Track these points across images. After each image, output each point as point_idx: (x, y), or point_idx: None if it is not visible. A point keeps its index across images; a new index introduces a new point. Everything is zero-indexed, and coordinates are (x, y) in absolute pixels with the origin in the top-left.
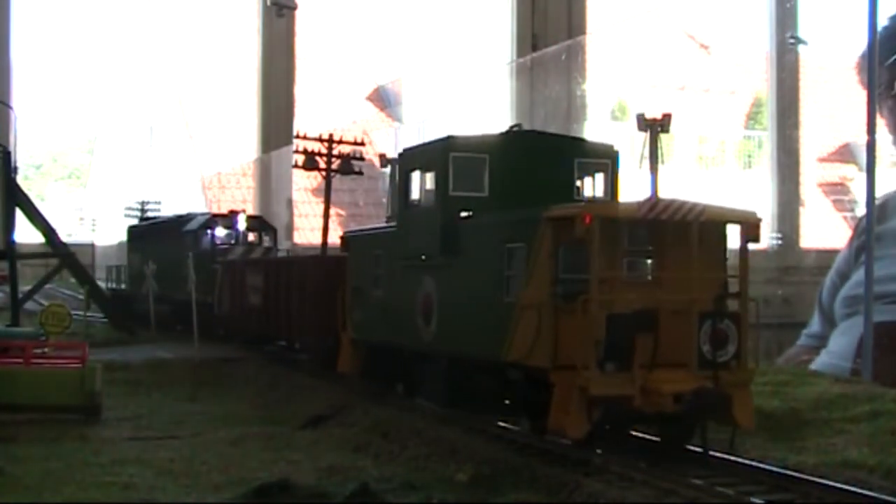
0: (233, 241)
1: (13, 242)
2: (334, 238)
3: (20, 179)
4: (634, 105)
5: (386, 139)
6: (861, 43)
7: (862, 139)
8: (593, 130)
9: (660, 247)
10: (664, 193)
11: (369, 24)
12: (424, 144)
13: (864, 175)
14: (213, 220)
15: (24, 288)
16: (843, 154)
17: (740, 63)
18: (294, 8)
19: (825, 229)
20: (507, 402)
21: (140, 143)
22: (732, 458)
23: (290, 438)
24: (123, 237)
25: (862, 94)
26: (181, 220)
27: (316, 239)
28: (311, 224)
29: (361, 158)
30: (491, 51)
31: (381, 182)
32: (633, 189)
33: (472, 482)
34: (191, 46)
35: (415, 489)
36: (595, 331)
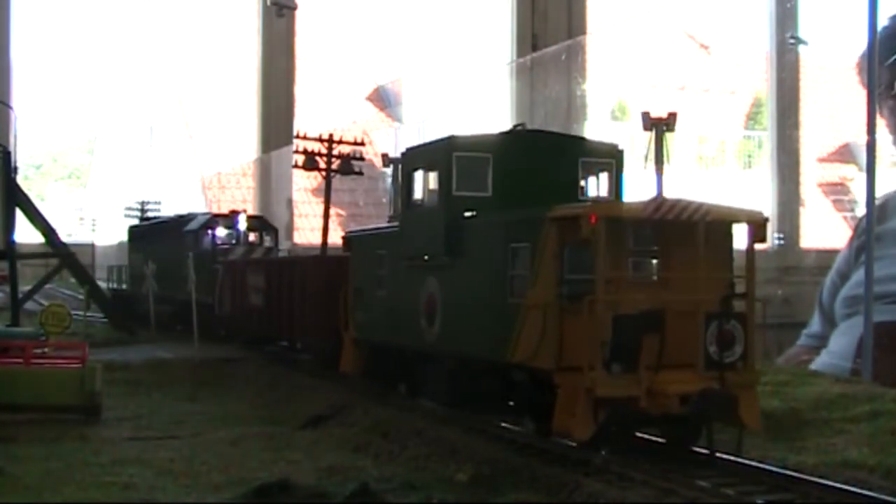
0: (234, 242)
1: (13, 242)
2: (334, 238)
3: (20, 179)
4: (634, 105)
5: (386, 139)
6: (861, 43)
7: (862, 139)
8: (593, 130)
9: (665, 247)
10: (666, 193)
11: (369, 24)
12: (427, 144)
13: (864, 175)
14: (214, 220)
15: (24, 288)
16: (843, 154)
17: (740, 63)
18: (294, 8)
19: (825, 229)
20: (510, 403)
21: (140, 143)
22: (739, 459)
23: (290, 438)
24: (123, 237)
25: (862, 94)
26: (182, 220)
27: (316, 239)
28: (311, 224)
29: (361, 158)
30: (491, 51)
31: (381, 182)
32: (634, 189)
33: (472, 482)
34: (191, 46)
35: (415, 489)
36: (601, 332)
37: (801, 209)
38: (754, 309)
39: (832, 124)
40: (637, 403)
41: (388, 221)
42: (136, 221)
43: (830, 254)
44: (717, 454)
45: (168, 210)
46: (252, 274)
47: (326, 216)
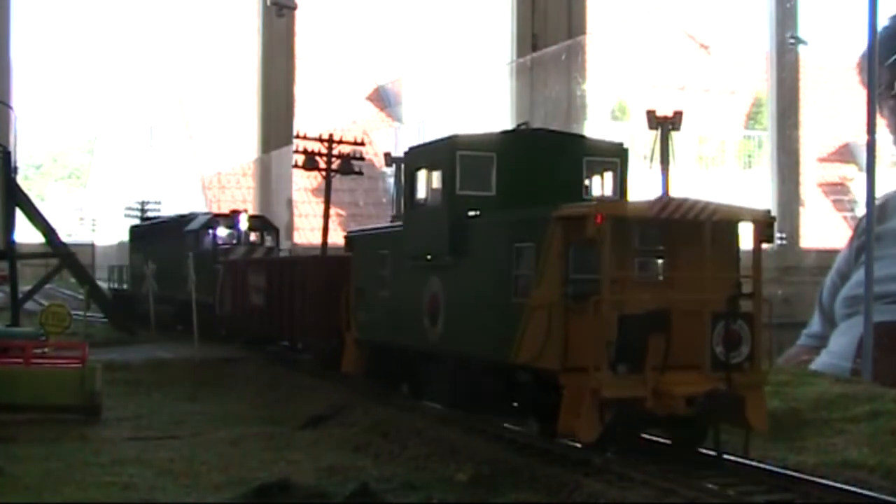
0: (235, 241)
1: (13, 242)
2: (334, 238)
3: (20, 179)
4: (634, 105)
5: (386, 139)
6: (861, 43)
7: (862, 139)
8: (593, 130)
9: (671, 246)
10: (660, 193)
11: (369, 24)
12: (431, 143)
13: (864, 175)
14: (215, 219)
15: (24, 288)
16: (843, 154)
17: (740, 63)
18: (294, 8)
19: (825, 229)
20: (514, 404)
21: (140, 143)
22: (741, 460)
23: (290, 438)
24: (123, 237)
25: (862, 94)
26: (183, 220)
27: (316, 239)
28: (311, 224)
29: (361, 158)
30: (491, 51)
31: (381, 182)
32: (635, 188)
33: (472, 482)
34: (191, 46)
35: (415, 489)
36: (606, 332)
37: (801, 209)
38: (761, 309)
39: (832, 124)
40: (643, 404)
41: (392, 221)
42: (136, 221)
43: (830, 254)
44: (724, 455)
45: (168, 210)
46: (253, 274)
47: (326, 216)
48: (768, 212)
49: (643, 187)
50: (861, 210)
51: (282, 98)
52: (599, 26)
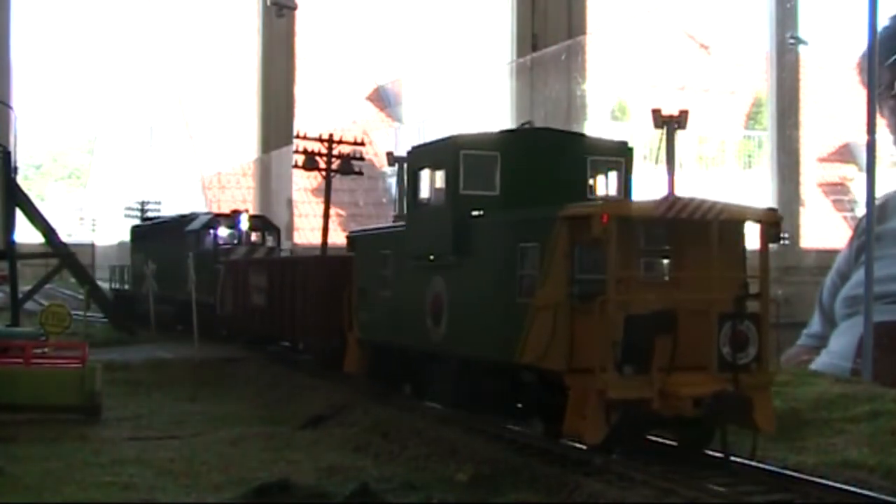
0: (235, 241)
1: (13, 242)
2: (334, 238)
3: (20, 179)
4: (634, 105)
5: (386, 139)
6: (861, 43)
7: (862, 139)
8: (593, 130)
9: (677, 246)
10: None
11: (369, 24)
12: (434, 142)
13: (864, 175)
14: (216, 219)
15: (24, 288)
16: (843, 154)
17: (740, 63)
18: (294, 8)
19: (825, 229)
20: (518, 404)
21: (140, 143)
22: (752, 463)
23: (290, 438)
24: (123, 237)
25: (862, 94)
26: (184, 220)
27: (316, 239)
28: (311, 224)
29: (361, 158)
30: (491, 51)
31: (381, 182)
32: (637, 188)
33: (472, 482)
34: (191, 46)
35: (415, 489)
36: (612, 332)
37: (801, 209)
38: (768, 309)
39: (832, 124)
40: (649, 405)
41: (394, 221)
42: (136, 221)
43: (830, 254)
44: (731, 457)
45: (168, 210)
46: (254, 274)
47: (326, 216)
48: (775, 211)
49: (645, 187)
50: (861, 210)
51: (282, 98)
52: (599, 26)
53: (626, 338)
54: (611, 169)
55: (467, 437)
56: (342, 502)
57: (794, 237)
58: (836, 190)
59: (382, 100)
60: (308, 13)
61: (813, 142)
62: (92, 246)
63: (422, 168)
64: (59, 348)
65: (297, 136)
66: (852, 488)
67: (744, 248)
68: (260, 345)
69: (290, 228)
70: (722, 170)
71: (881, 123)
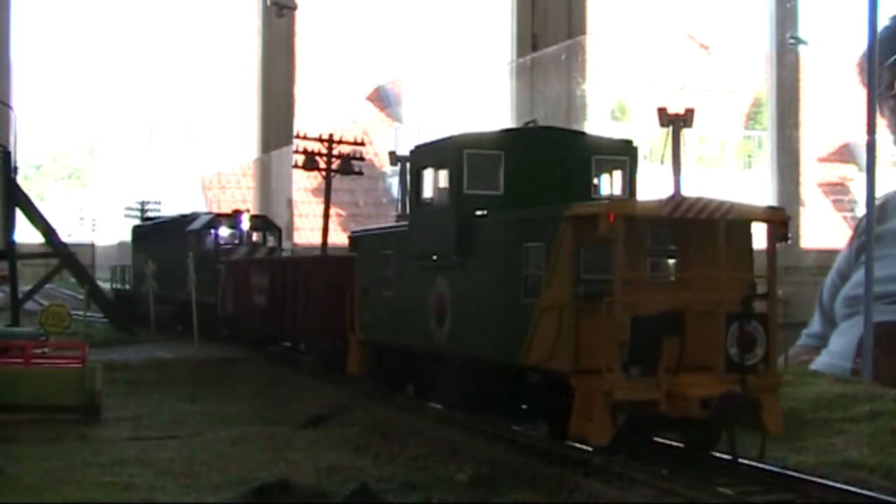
0: (236, 241)
1: (13, 242)
2: (334, 238)
3: (20, 179)
4: (634, 105)
5: (386, 139)
6: (861, 43)
7: (862, 139)
8: (593, 130)
9: (684, 246)
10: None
11: (369, 24)
12: (437, 141)
13: (864, 175)
14: (217, 219)
15: (24, 288)
16: (843, 154)
17: (740, 63)
18: (294, 8)
19: (825, 229)
20: (523, 406)
21: (140, 143)
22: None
23: (290, 438)
24: (123, 237)
25: (862, 94)
26: (185, 220)
27: (316, 239)
28: (311, 224)
29: (361, 158)
30: (491, 51)
31: (381, 182)
32: (640, 188)
33: (472, 482)
34: (191, 46)
35: (415, 489)
36: (619, 333)
37: (801, 209)
38: (776, 310)
39: (832, 124)
40: (656, 407)
41: (397, 220)
42: (136, 221)
43: (830, 254)
44: (740, 459)
45: (168, 210)
46: (255, 274)
47: (326, 216)
48: (783, 210)
49: (646, 187)
50: (861, 210)
51: (282, 98)
52: (599, 26)
53: (633, 339)
54: (615, 168)
55: (467, 437)
56: (342, 502)
57: (795, 237)
58: (836, 190)
59: (382, 100)
60: (308, 13)
61: (813, 142)
62: (92, 246)
63: (425, 167)
64: (59, 348)
65: (297, 136)
66: (852, 488)
67: (751, 248)
68: (261, 345)
69: (290, 228)
70: (722, 170)
71: (881, 123)
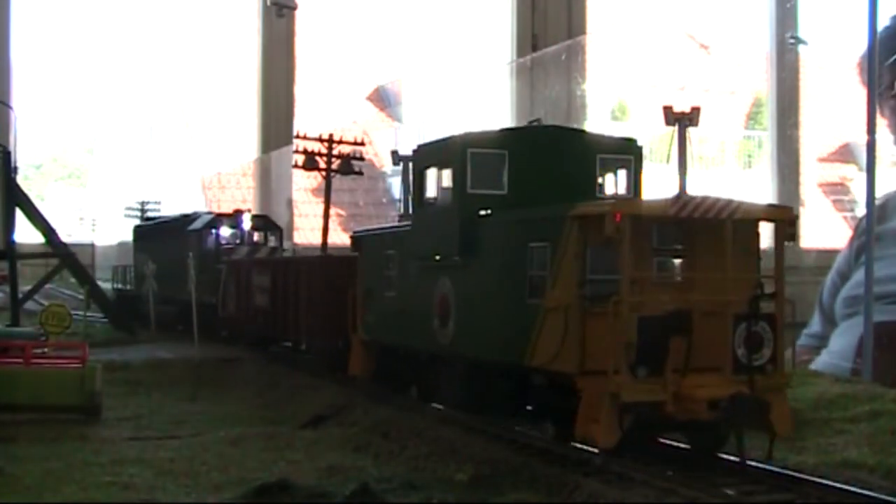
0: (238, 241)
1: (13, 242)
2: (334, 238)
3: (20, 179)
4: (634, 105)
5: (386, 139)
6: (861, 43)
7: (862, 139)
8: (594, 130)
9: (690, 246)
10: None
11: (369, 24)
12: (441, 140)
13: (864, 175)
14: (218, 219)
15: (24, 288)
16: (843, 154)
17: (740, 63)
18: (294, 8)
19: (825, 229)
20: (528, 407)
21: (140, 143)
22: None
23: (290, 438)
24: (123, 237)
25: (862, 94)
26: (186, 220)
27: (316, 239)
28: (311, 224)
29: (361, 158)
30: (491, 51)
31: (381, 182)
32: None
33: (472, 482)
34: (191, 46)
35: (415, 489)
36: (626, 334)
37: (801, 209)
38: (784, 310)
39: (832, 124)
40: (663, 409)
41: (399, 220)
42: (136, 221)
43: (830, 254)
44: (748, 462)
45: (168, 210)
46: (257, 274)
47: (326, 216)
48: (790, 209)
49: (646, 186)
50: (861, 210)
51: (282, 98)
52: (599, 26)
53: (640, 339)
54: (620, 167)
55: (467, 437)
56: (342, 502)
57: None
58: (836, 190)
59: (382, 100)
60: (308, 13)
61: (813, 142)
62: (92, 246)
63: (428, 167)
64: (59, 348)
65: (297, 136)
66: (852, 488)
67: (758, 248)
68: (261, 345)
69: (290, 228)
70: (722, 170)
71: (881, 123)
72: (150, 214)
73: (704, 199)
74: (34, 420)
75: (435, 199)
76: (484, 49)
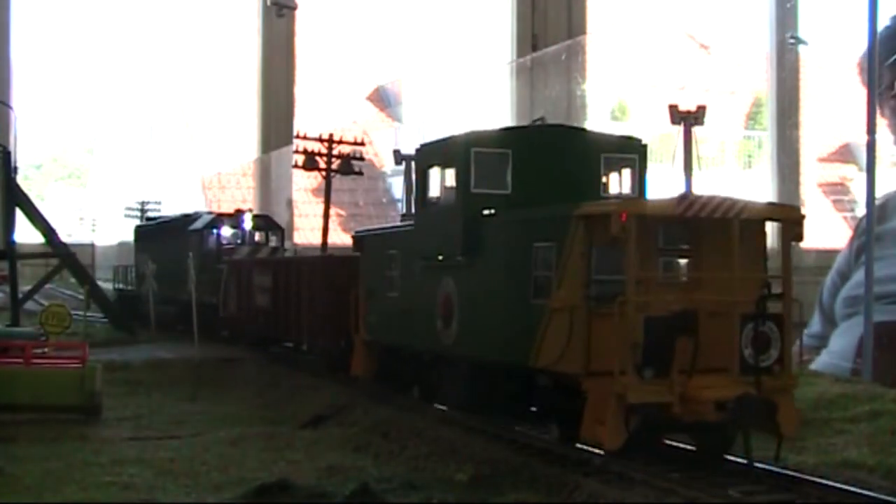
0: (239, 241)
1: (13, 242)
2: (334, 238)
3: (20, 179)
4: (634, 105)
5: (386, 139)
6: (861, 43)
7: (862, 139)
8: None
9: (697, 245)
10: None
11: (369, 25)
12: (444, 140)
13: (864, 175)
14: (219, 219)
15: (24, 288)
16: (843, 154)
17: (740, 63)
18: (294, 8)
19: (825, 229)
20: (533, 408)
21: (140, 143)
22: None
23: (290, 438)
24: (123, 237)
25: (862, 94)
26: (188, 220)
27: (316, 239)
28: (311, 224)
29: (361, 158)
30: (491, 51)
31: (381, 182)
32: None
33: (472, 482)
34: (191, 46)
35: (415, 489)
36: (632, 334)
37: (802, 209)
38: (791, 310)
39: (832, 124)
40: (670, 410)
41: (402, 220)
42: (136, 222)
43: (830, 254)
44: (756, 464)
45: (168, 210)
46: (258, 274)
47: (326, 216)
48: (798, 209)
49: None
50: (861, 210)
51: (282, 98)
52: (599, 26)
53: (646, 340)
54: (625, 166)
55: (467, 437)
56: (342, 502)
57: None
58: (836, 190)
59: (382, 100)
60: (308, 13)
61: (813, 142)
62: (92, 246)
63: (431, 166)
64: (59, 348)
65: (297, 136)
66: (852, 488)
67: (765, 247)
68: (261, 345)
69: (290, 228)
70: (722, 170)
71: (881, 123)
72: (150, 214)
73: (711, 198)
74: (34, 420)
75: (438, 198)
76: (484, 49)
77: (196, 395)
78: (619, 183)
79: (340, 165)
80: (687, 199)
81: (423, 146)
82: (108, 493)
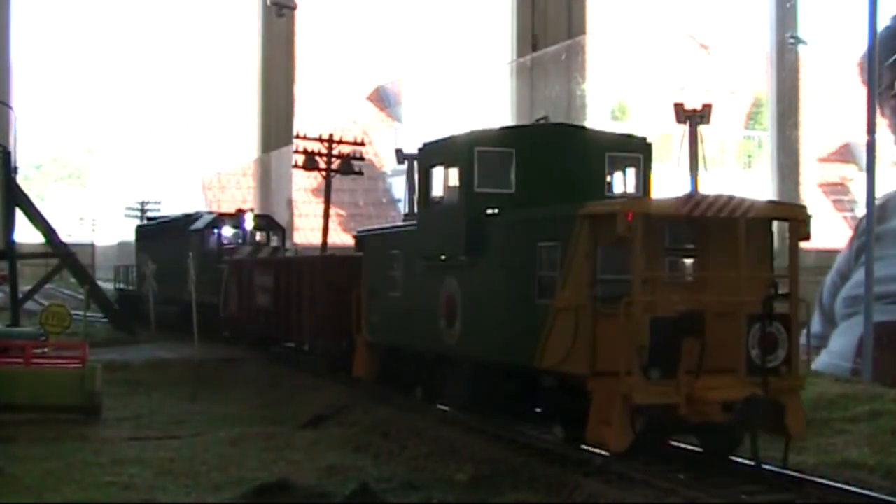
0: (240, 241)
1: (13, 242)
2: (334, 238)
3: (20, 179)
4: (634, 105)
5: (386, 139)
6: (861, 42)
7: (862, 139)
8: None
9: (703, 245)
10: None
11: (369, 24)
12: (447, 139)
13: (864, 175)
14: (220, 219)
15: (24, 288)
16: (843, 154)
17: (740, 63)
18: (294, 8)
19: (825, 229)
20: (537, 409)
21: (140, 143)
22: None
23: (290, 438)
24: (123, 237)
25: (862, 94)
26: (189, 220)
27: (316, 239)
28: (311, 224)
29: (361, 158)
30: (491, 51)
31: (381, 182)
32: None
33: (472, 482)
34: (191, 46)
35: (415, 489)
36: (638, 335)
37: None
38: (798, 310)
39: (832, 124)
40: (676, 411)
41: (404, 219)
42: (136, 221)
43: (830, 254)
44: (764, 465)
45: (168, 210)
46: (259, 274)
47: (326, 216)
48: (805, 208)
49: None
50: (861, 210)
51: (282, 98)
52: (599, 26)
53: (652, 340)
54: (629, 165)
55: (467, 437)
56: (342, 502)
57: None
58: (836, 190)
59: (382, 100)
60: (308, 13)
61: (813, 142)
62: (92, 246)
63: (434, 165)
64: (59, 348)
65: (298, 136)
66: (852, 488)
67: (772, 247)
68: (261, 345)
69: (291, 228)
70: (722, 170)
71: (881, 123)
72: (150, 214)
73: (717, 197)
74: (34, 420)
75: (441, 198)
76: (484, 49)
77: (196, 395)
78: (623, 182)
79: (340, 165)
80: (693, 198)
81: (426, 145)
82: (108, 493)
